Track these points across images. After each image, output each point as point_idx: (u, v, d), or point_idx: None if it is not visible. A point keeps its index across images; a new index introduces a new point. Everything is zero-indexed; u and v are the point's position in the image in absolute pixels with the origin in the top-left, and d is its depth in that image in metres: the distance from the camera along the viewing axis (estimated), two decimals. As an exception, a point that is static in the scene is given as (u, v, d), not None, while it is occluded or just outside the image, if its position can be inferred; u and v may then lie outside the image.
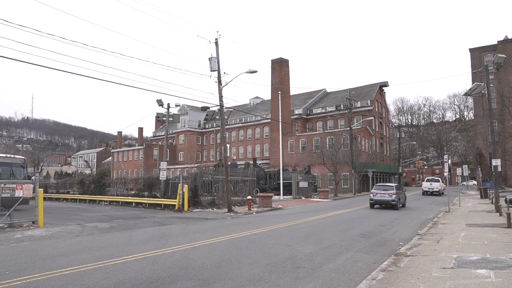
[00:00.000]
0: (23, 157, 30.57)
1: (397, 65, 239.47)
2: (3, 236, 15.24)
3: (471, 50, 70.76)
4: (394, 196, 28.88)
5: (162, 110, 37.63)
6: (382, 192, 29.61)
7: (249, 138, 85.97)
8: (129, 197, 34.59)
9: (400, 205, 29.90)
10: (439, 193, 48.15)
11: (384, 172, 70.75)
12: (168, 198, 30.58)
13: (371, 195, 30.30)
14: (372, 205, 29.88)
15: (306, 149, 66.17)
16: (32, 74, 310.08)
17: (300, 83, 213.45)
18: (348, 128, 55.79)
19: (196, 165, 69.26)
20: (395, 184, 33.07)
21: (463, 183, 74.61)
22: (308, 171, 53.46)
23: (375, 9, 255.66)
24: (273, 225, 18.72)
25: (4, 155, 29.90)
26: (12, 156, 29.37)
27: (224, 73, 28.39)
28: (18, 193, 17.75)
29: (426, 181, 51.80)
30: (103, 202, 36.39)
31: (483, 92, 25.17)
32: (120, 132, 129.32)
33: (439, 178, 51.93)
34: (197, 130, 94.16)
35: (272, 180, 49.24)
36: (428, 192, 49.00)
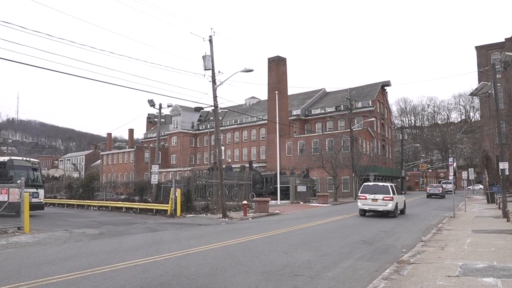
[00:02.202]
0: (37, 160, 30.95)
1: (400, 64, 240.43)
2: (-14, 243, 15.19)
3: (477, 48, 71.01)
4: (440, 191, 54.73)
5: (154, 111, 37.50)
6: (434, 189, 55.94)
7: (244, 140, 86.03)
8: (119, 202, 34.54)
9: (443, 196, 53.54)
10: (452, 192, 56.51)
11: (386, 175, 70.83)
12: (160, 203, 30.54)
13: (427, 190, 57.38)
14: (427, 196, 54.48)
15: (304, 151, 66.20)
16: (18, 73, 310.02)
17: (298, 83, 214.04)
18: (349, 130, 55.85)
19: (189, 168, 69.34)
20: (440, 185, 61.08)
21: (468, 187, 74.91)
22: (307, 174, 53.50)
23: (376, 5, 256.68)
24: (270, 231, 18.73)
25: (20, 158, 30.30)
26: (28, 159, 29.76)
27: (219, 72, 28.43)
28: (3, 198, 17.70)
29: (443, 183, 69.08)
30: (91, 207, 36.31)
31: (490, 92, 25.24)
32: (109, 134, 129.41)
33: (451, 181, 57.30)
34: (190, 131, 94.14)
35: (268, 184, 49.32)
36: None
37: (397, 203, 26.51)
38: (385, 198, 25.88)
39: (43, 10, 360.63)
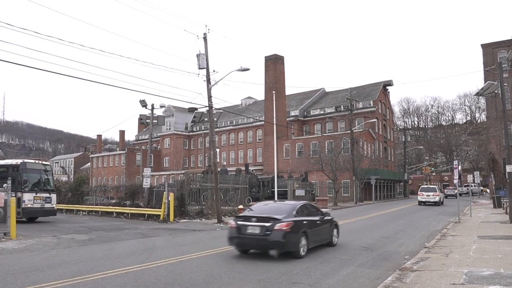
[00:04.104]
0: (48, 163, 30.68)
1: (402, 63, 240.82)
2: (-30, 249, 15.14)
3: (483, 46, 71.06)
4: (455, 191, 59.98)
5: (146, 112, 37.48)
6: (450, 190, 72.57)
7: (240, 142, 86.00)
8: (110, 207, 34.46)
9: (457, 196, 58.04)
10: (467, 193, 69.54)
11: (389, 179, 70.96)
12: (152, 208, 30.51)
13: (445, 192, 69.59)
14: (445, 197, 61.24)
15: (303, 154, 66.14)
16: (4, 72, 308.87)
17: (296, 82, 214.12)
18: (349, 131, 55.90)
19: (182, 171, 69.16)
20: (455, 187, 61.36)
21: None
22: (305, 178, 53.49)
23: (378, 2, 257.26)
24: (267, 237, 18.69)
25: (33, 161, 29.99)
26: (39, 162, 29.47)
27: (214, 71, 28.41)
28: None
29: (463, 185, 79.41)
30: (81, 212, 36.25)
31: (496, 91, 25.28)
32: (99, 136, 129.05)
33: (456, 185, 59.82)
34: (184, 133, 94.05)
35: (265, 188, 49.23)
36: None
37: (440, 197, 47.16)
38: (434, 194, 46.53)
39: (30, 7, 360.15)
